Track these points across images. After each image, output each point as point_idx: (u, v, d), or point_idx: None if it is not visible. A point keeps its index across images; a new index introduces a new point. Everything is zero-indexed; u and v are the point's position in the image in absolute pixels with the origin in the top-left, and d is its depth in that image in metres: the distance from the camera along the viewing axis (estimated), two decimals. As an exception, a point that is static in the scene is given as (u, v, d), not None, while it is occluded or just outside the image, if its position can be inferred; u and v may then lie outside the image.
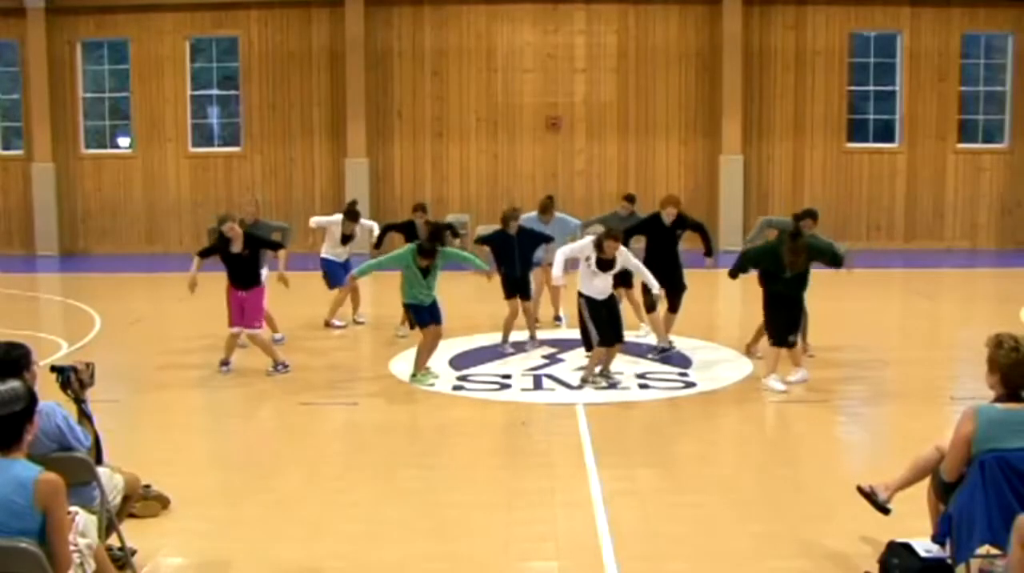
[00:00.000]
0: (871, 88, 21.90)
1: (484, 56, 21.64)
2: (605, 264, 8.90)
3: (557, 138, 21.77)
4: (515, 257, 10.65)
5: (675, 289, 10.47)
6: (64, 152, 21.88)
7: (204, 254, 9.95)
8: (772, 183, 21.79)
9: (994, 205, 21.82)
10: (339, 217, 12.26)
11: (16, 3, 21.08)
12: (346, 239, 12.22)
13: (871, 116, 21.95)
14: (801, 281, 9.04)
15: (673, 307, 10.54)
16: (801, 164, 21.79)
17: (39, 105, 21.38)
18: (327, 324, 12.18)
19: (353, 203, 12.54)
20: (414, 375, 9.31)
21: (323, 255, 12.30)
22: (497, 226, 11.13)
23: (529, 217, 11.52)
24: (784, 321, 8.96)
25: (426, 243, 9.23)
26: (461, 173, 21.96)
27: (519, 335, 10.87)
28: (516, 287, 10.73)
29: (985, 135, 21.95)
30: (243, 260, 9.74)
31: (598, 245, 8.88)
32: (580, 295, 9.06)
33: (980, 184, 21.80)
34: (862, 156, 21.81)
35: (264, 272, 10.45)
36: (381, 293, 12.49)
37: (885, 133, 21.92)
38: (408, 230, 11.82)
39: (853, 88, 21.79)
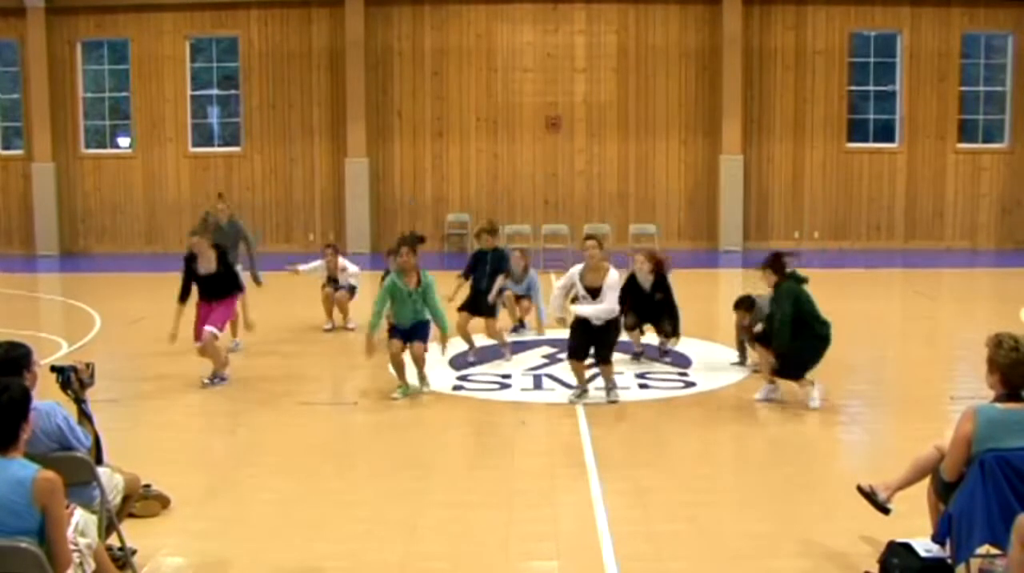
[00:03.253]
0: (871, 88, 21.90)
1: (484, 56, 21.65)
2: (593, 292, 8.39)
3: (557, 138, 21.78)
4: (485, 273, 10.45)
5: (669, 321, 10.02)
6: (64, 152, 21.89)
7: (183, 297, 9.44)
8: (772, 183, 21.79)
9: (994, 205, 21.83)
10: (320, 262, 12.39)
11: (16, 3, 21.09)
12: (333, 281, 12.30)
13: (871, 116, 21.96)
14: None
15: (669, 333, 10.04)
16: (801, 164, 21.79)
17: (39, 105, 21.39)
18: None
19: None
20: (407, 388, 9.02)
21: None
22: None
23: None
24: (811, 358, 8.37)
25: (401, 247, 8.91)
26: (461, 173, 21.97)
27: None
28: (475, 303, 10.43)
29: (985, 135, 21.95)
30: (215, 278, 9.41)
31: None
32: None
33: (980, 184, 21.81)
34: (862, 156, 21.81)
35: (238, 270, 10.28)
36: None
37: (885, 133, 21.92)
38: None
39: (853, 88, 21.80)
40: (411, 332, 8.88)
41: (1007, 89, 21.68)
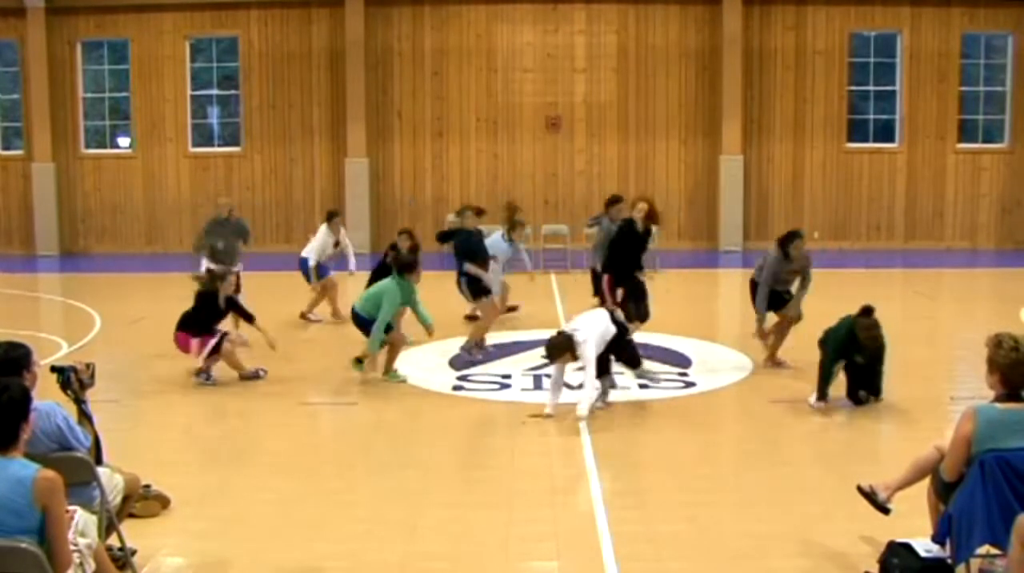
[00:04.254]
0: (871, 88, 21.90)
1: (484, 56, 21.65)
2: None
3: (557, 138, 21.78)
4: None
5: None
6: (64, 152, 21.89)
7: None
8: (772, 183, 21.80)
9: (994, 205, 21.83)
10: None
11: (16, 3, 21.09)
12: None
13: (871, 116, 21.96)
14: None
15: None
16: (801, 164, 21.79)
17: (39, 105, 21.39)
18: (303, 316, 12.63)
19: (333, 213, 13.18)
20: (385, 373, 9.42)
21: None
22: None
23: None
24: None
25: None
26: (461, 173, 21.97)
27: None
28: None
29: (985, 135, 21.95)
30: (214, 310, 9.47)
31: None
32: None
33: (980, 184, 21.81)
34: (862, 156, 21.81)
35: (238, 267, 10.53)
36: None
37: (885, 133, 21.92)
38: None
39: (853, 88, 21.80)
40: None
41: (1007, 89, 21.68)
